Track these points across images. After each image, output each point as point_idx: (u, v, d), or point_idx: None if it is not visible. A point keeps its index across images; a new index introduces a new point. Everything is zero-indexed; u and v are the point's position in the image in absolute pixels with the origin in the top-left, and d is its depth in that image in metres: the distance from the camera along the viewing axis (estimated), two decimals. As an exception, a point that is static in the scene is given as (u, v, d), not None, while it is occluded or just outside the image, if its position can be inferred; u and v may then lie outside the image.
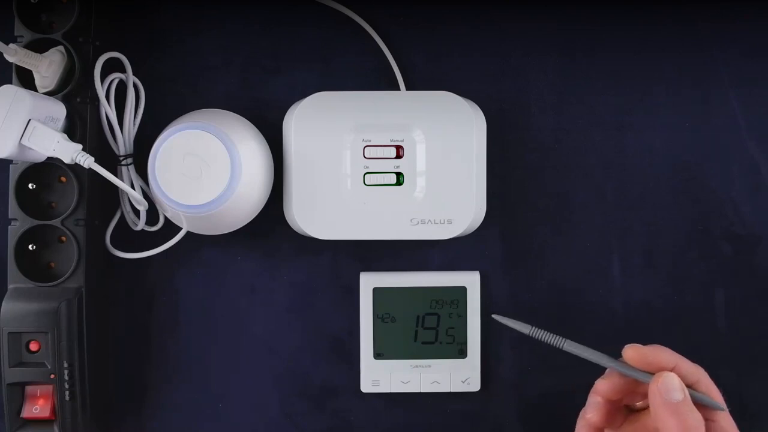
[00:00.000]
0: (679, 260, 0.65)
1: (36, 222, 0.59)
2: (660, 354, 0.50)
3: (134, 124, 0.62)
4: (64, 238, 0.60)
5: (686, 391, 0.49)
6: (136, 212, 0.63)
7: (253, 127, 0.62)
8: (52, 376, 0.59)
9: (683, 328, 0.65)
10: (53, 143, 0.54)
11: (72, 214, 0.60)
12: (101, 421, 0.63)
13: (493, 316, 0.55)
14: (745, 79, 0.65)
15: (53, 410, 0.59)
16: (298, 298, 0.65)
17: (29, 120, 0.53)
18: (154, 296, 0.65)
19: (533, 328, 0.53)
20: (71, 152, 0.54)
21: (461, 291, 0.64)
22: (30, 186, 0.60)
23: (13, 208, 0.59)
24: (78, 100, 0.59)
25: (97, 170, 0.55)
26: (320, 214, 0.61)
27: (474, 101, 0.62)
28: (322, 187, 0.61)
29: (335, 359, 0.65)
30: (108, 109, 0.60)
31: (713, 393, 0.51)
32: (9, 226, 0.59)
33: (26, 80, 0.59)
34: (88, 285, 0.60)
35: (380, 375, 0.64)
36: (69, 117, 0.58)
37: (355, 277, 0.65)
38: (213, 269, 0.65)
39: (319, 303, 0.65)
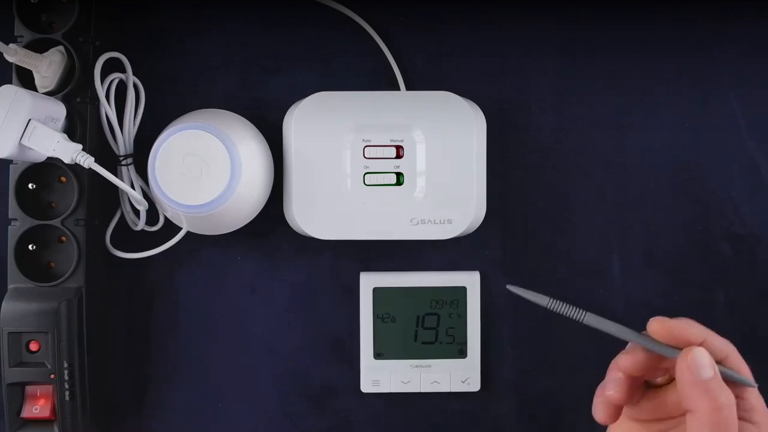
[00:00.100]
0: (679, 260, 0.65)
1: (36, 222, 0.59)
2: (688, 328, 0.48)
3: (134, 124, 0.62)
4: (64, 238, 0.60)
5: (716, 367, 0.46)
6: (136, 212, 0.63)
7: (253, 127, 0.62)
8: (52, 376, 0.59)
9: (683, 328, 0.65)
10: (53, 143, 0.54)
11: (72, 214, 0.60)
12: (101, 421, 0.63)
13: (508, 286, 0.51)
14: (745, 79, 0.65)
15: (53, 410, 0.59)
16: (298, 298, 0.65)
17: (29, 120, 0.53)
18: (154, 296, 0.65)
19: (551, 299, 0.50)
20: (71, 152, 0.54)
21: (461, 291, 0.64)
22: (30, 186, 0.60)
23: (13, 208, 0.59)
24: (78, 100, 0.59)
25: (97, 170, 0.55)
26: (320, 214, 0.61)
27: (474, 101, 0.62)
28: (322, 187, 0.61)
29: (335, 359, 0.65)
30: (108, 109, 0.60)
31: (743, 369, 0.48)
32: (9, 226, 0.59)
33: (26, 80, 0.59)
34: (88, 285, 0.60)
35: (380, 375, 0.64)
36: (69, 117, 0.58)
37: (355, 277, 0.65)
38: (213, 269, 0.65)
39: (319, 303, 0.65)
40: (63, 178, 0.60)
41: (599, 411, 0.50)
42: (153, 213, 0.63)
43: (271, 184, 0.62)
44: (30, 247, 0.60)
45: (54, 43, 0.59)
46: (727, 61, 0.65)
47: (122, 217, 0.63)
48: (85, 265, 0.60)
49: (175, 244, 0.63)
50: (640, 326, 0.49)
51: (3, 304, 0.59)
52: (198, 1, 0.64)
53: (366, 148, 0.61)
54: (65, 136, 0.54)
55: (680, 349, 0.47)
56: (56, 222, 0.59)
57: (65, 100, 0.58)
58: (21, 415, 0.59)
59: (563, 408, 0.66)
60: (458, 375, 0.64)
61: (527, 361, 0.66)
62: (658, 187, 0.65)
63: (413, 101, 0.61)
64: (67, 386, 0.59)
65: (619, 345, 0.51)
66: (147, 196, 0.62)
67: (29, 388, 0.59)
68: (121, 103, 0.61)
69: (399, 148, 0.61)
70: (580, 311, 0.49)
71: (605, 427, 0.52)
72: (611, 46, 0.65)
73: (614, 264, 0.65)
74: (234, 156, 0.57)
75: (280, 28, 0.65)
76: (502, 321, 0.65)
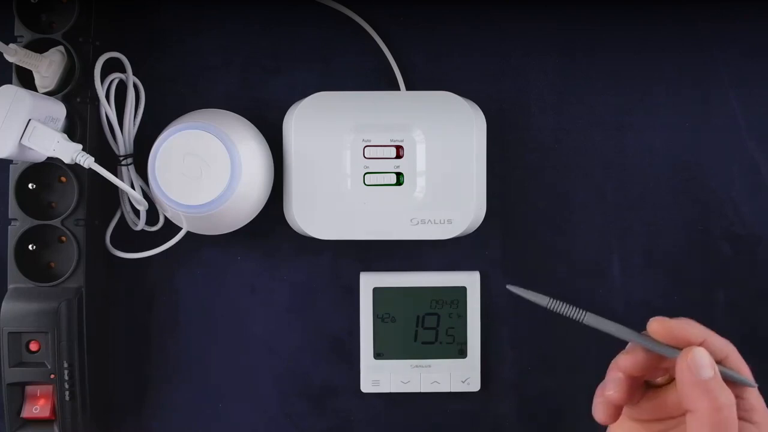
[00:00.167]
0: (679, 260, 0.65)
1: (36, 222, 0.59)
2: (688, 328, 0.48)
3: (134, 124, 0.62)
4: (64, 238, 0.60)
5: (716, 367, 0.46)
6: (136, 212, 0.63)
7: (253, 127, 0.62)
8: (52, 376, 0.59)
9: (683, 328, 0.65)
10: (53, 143, 0.53)
11: (72, 214, 0.60)
12: (101, 421, 0.63)
13: (508, 286, 0.51)
14: (745, 79, 0.65)
15: (53, 410, 0.59)
16: (298, 298, 0.65)
17: (29, 120, 0.53)
18: (154, 296, 0.65)
19: (551, 299, 0.50)
20: (71, 152, 0.54)
21: (461, 291, 0.64)
22: (30, 186, 0.60)
23: (13, 208, 0.59)
24: (78, 100, 0.59)
25: (97, 170, 0.55)
26: (320, 214, 0.61)
27: (474, 101, 0.62)
28: (322, 187, 0.61)
29: (335, 359, 0.65)
30: (108, 109, 0.60)
31: (743, 369, 0.48)
32: (9, 226, 0.59)
33: (26, 80, 0.59)
34: (88, 285, 0.60)
35: (380, 375, 0.64)
36: (69, 117, 0.58)
37: (355, 277, 0.65)
38: (213, 269, 0.65)
39: (319, 303, 0.65)
40: (63, 178, 0.60)
41: (599, 411, 0.50)
42: (153, 213, 0.63)
43: (271, 184, 0.62)
44: (30, 247, 0.60)
45: (54, 43, 0.59)
46: (727, 61, 0.65)
47: (122, 217, 0.63)
48: (85, 265, 0.60)
49: (175, 244, 0.63)
50: (640, 326, 0.49)
51: (3, 304, 0.59)
52: (198, 1, 0.64)
53: (366, 148, 0.61)
54: (65, 136, 0.54)
55: (680, 349, 0.47)
56: (56, 222, 0.59)
57: (65, 100, 0.58)
58: (21, 415, 0.59)
59: (563, 408, 0.66)
60: (458, 375, 0.64)
61: (527, 361, 0.66)
62: (658, 187, 0.65)
63: (413, 101, 0.61)
64: (67, 386, 0.59)
65: (619, 345, 0.51)
66: (147, 196, 0.62)
67: (29, 388, 0.59)
68: (121, 103, 0.61)
69: (399, 148, 0.61)
70: (580, 311, 0.49)
71: (605, 427, 0.52)
72: (611, 46, 0.65)
73: (614, 264, 0.65)
74: (234, 156, 0.57)
75: (280, 28, 0.65)
76: (502, 321, 0.65)
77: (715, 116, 0.65)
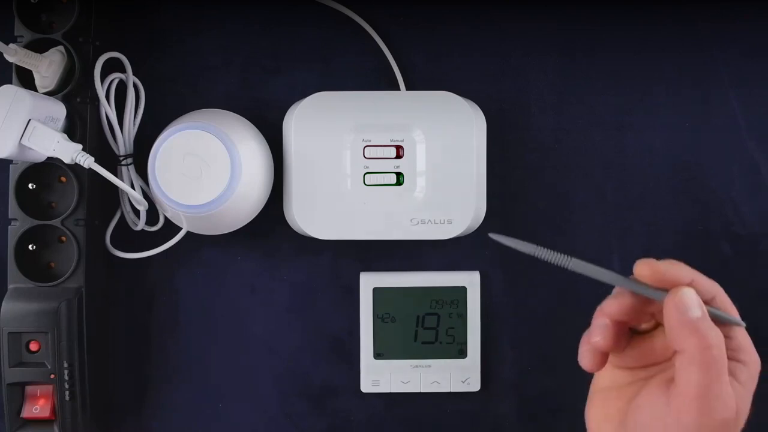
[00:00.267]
0: (679, 260, 0.65)
1: (36, 222, 0.59)
2: (675, 269, 0.47)
3: (134, 124, 0.62)
4: (64, 238, 0.60)
5: (704, 307, 0.45)
6: (136, 212, 0.63)
7: (253, 127, 0.62)
8: (52, 376, 0.59)
9: (683, 328, 0.65)
10: (53, 143, 0.54)
11: (72, 214, 0.60)
12: (101, 421, 0.63)
13: (490, 234, 0.50)
14: (745, 79, 0.65)
15: (53, 410, 0.59)
16: (298, 298, 0.65)
17: (29, 120, 0.53)
18: (154, 296, 0.65)
19: (536, 246, 0.48)
20: (71, 152, 0.54)
21: (461, 291, 0.64)
22: (30, 186, 0.60)
23: (13, 208, 0.59)
24: (78, 100, 0.59)
25: (97, 170, 0.55)
26: (320, 214, 0.61)
27: (474, 101, 0.62)
28: (322, 187, 0.61)
29: (335, 359, 0.65)
30: (108, 109, 0.60)
31: (730, 309, 0.48)
32: (9, 226, 0.59)
33: (26, 80, 0.59)
34: (88, 285, 0.60)
35: (380, 375, 0.64)
36: (69, 117, 0.58)
37: (355, 277, 0.65)
38: (213, 269, 0.65)
39: (319, 303, 0.65)
40: (63, 178, 0.60)
41: (585, 358, 0.49)
42: (153, 213, 0.63)
43: (271, 184, 0.62)
44: (30, 247, 0.60)
45: (54, 43, 0.59)
46: (727, 61, 0.65)
47: (122, 217, 0.63)
48: (85, 265, 0.60)
49: (175, 244, 0.63)
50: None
51: (3, 304, 0.59)
52: (198, 1, 0.64)
53: (366, 148, 0.61)
54: (65, 136, 0.54)
55: (667, 291, 0.47)
56: (56, 222, 0.59)
57: (65, 100, 0.58)
58: (21, 415, 0.59)
59: (563, 408, 0.66)
60: (458, 375, 0.64)
61: (527, 361, 0.66)
62: (658, 187, 0.65)
63: (413, 101, 0.61)
64: (67, 386, 0.59)
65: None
66: (147, 196, 0.62)
67: (29, 388, 0.59)
68: (121, 103, 0.61)
69: (399, 148, 0.61)
70: (566, 257, 0.48)
71: (591, 376, 0.51)
72: (611, 46, 0.65)
73: (614, 264, 0.65)
74: (234, 156, 0.57)
75: (280, 28, 0.65)
76: (502, 321, 0.65)
77: (715, 116, 0.65)
